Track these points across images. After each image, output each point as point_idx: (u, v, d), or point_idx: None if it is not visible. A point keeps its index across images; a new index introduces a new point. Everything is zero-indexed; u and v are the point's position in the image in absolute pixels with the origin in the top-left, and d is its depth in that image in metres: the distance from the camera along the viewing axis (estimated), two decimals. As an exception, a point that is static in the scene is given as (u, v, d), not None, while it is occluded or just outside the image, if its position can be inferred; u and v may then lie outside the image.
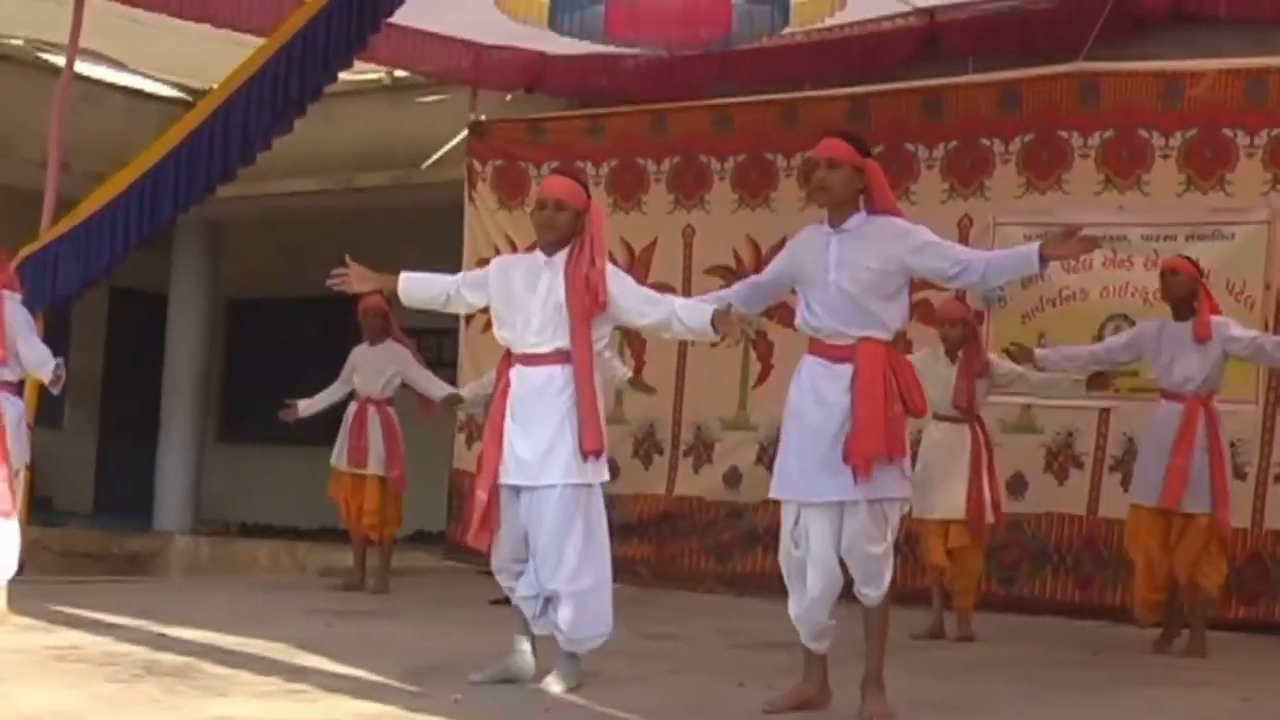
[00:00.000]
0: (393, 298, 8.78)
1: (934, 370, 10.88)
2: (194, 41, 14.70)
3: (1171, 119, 12.70)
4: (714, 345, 8.12)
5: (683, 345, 14.21)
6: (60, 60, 13.97)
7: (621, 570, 13.34)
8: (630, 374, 12.14)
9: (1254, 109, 12.40)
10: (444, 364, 15.27)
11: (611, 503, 12.78)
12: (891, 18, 14.18)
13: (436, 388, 13.01)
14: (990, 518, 10.95)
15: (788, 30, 12.27)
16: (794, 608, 7.45)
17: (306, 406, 13.08)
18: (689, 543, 14.55)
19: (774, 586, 7.64)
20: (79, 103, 14.57)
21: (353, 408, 13.08)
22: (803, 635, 7.48)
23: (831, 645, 7.49)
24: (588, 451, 7.89)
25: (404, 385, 13.08)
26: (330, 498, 13.29)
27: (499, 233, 15.63)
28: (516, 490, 7.98)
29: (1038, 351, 11.10)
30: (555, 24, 11.70)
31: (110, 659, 8.48)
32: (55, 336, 10.84)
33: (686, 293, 14.53)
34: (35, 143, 14.82)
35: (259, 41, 12.87)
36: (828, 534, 7.31)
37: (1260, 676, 9.46)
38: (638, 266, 14.93)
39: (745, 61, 14.56)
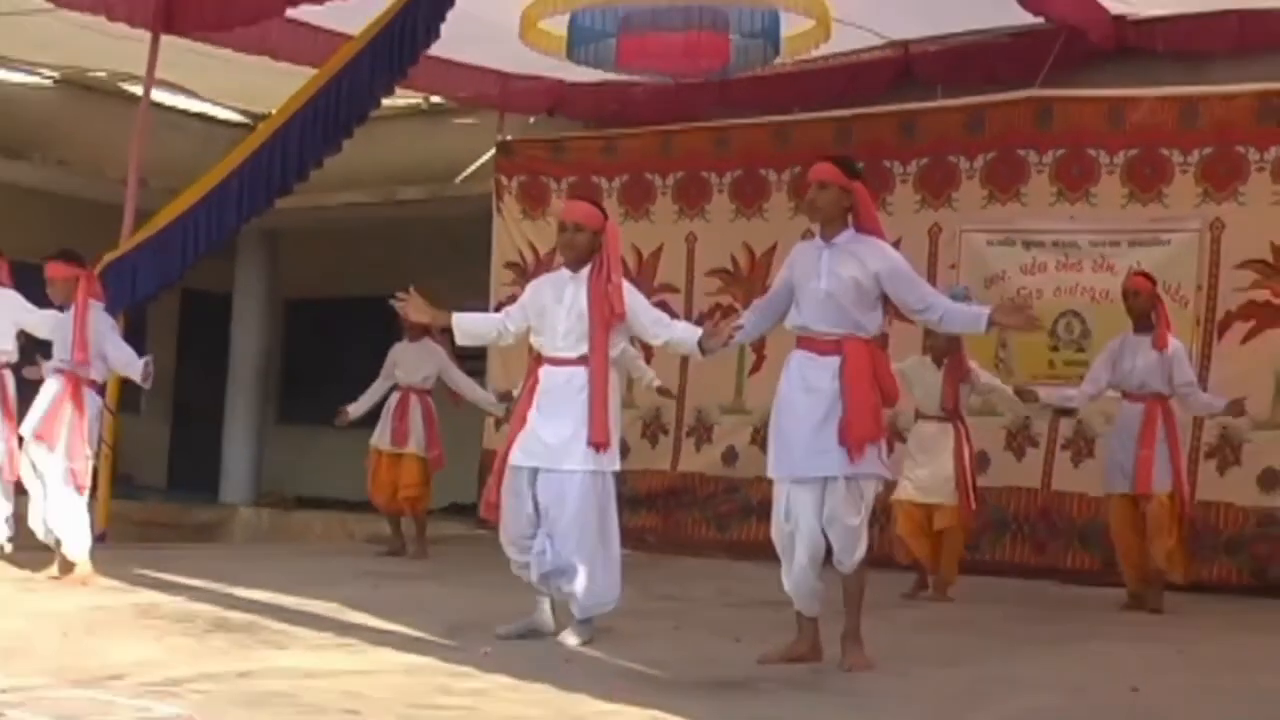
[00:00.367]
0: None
1: (922, 375, 10.98)
2: (256, 73, 14.72)
3: (1116, 140, 12.71)
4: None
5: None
6: (139, 90, 13.96)
7: (631, 539, 13.44)
8: (658, 382, 12.18)
9: (1188, 131, 12.42)
10: (472, 356, 15.29)
11: (622, 478, 12.92)
12: (871, 50, 14.21)
13: (470, 390, 13.05)
14: (973, 504, 11.01)
15: (779, 61, 12.23)
16: (787, 578, 7.49)
17: (355, 409, 12.99)
18: (691, 514, 14.57)
19: (767, 552, 7.66)
20: (156, 127, 14.53)
21: (395, 396, 13.05)
22: (796, 602, 7.51)
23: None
24: (595, 443, 7.91)
25: (439, 379, 13.09)
26: (364, 471, 13.29)
27: (523, 240, 15.64)
28: (534, 472, 8.01)
29: (1042, 395, 11.17)
30: (573, 55, 11.69)
31: (185, 616, 8.51)
32: (134, 334, 10.88)
33: (689, 291, 14.69)
34: (117, 163, 14.79)
35: (312, 72, 12.91)
36: (813, 508, 7.35)
37: (1197, 631, 9.52)
38: (646, 269, 14.96)
39: (741, 88, 14.53)
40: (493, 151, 16.32)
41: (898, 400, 7.92)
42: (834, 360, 7.38)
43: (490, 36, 12.94)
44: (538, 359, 8.20)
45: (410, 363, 12.98)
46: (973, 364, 11.16)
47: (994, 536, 12.33)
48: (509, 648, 7.71)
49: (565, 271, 8.17)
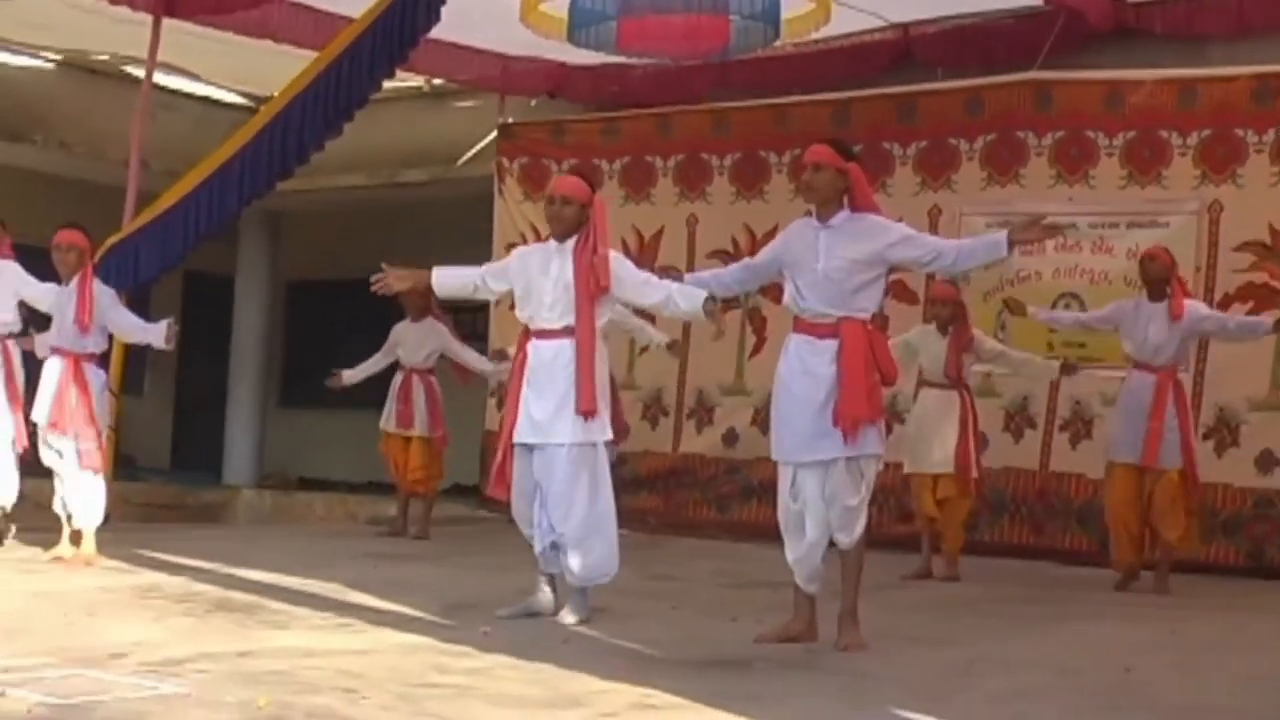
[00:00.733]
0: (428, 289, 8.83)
1: (927, 344, 11.09)
2: (258, 56, 14.76)
3: (1115, 122, 12.76)
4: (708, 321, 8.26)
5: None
6: (141, 72, 14.02)
7: (632, 519, 13.55)
8: (666, 339, 12.22)
9: (1186, 114, 12.47)
10: (477, 337, 15.33)
11: (624, 459, 13.04)
12: (870, 32, 14.21)
13: (475, 359, 13.13)
14: (974, 472, 11.08)
15: (779, 43, 12.24)
16: (792, 554, 7.57)
17: (350, 376, 13.11)
18: (692, 495, 14.63)
19: (767, 533, 7.76)
20: (158, 110, 14.61)
21: (399, 377, 13.13)
22: (798, 577, 7.59)
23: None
24: (583, 411, 7.99)
25: (443, 356, 13.17)
26: (380, 456, 13.35)
27: (524, 222, 15.66)
28: (530, 448, 8.11)
29: (1030, 308, 11.29)
30: (574, 38, 11.71)
31: (187, 596, 8.58)
32: (136, 315, 10.93)
33: (690, 274, 14.66)
34: (120, 145, 14.86)
35: (314, 55, 12.95)
36: (818, 488, 7.46)
37: (1192, 611, 9.55)
38: (647, 251, 15.01)
39: (741, 70, 14.56)
40: (494, 134, 16.36)
41: (896, 380, 8.00)
42: (832, 344, 7.47)
43: (491, 19, 12.99)
44: (526, 333, 8.28)
45: (412, 342, 13.05)
46: (977, 331, 11.28)
47: (992, 517, 12.39)
48: (507, 627, 7.79)
49: (552, 243, 8.26)
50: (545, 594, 8.26)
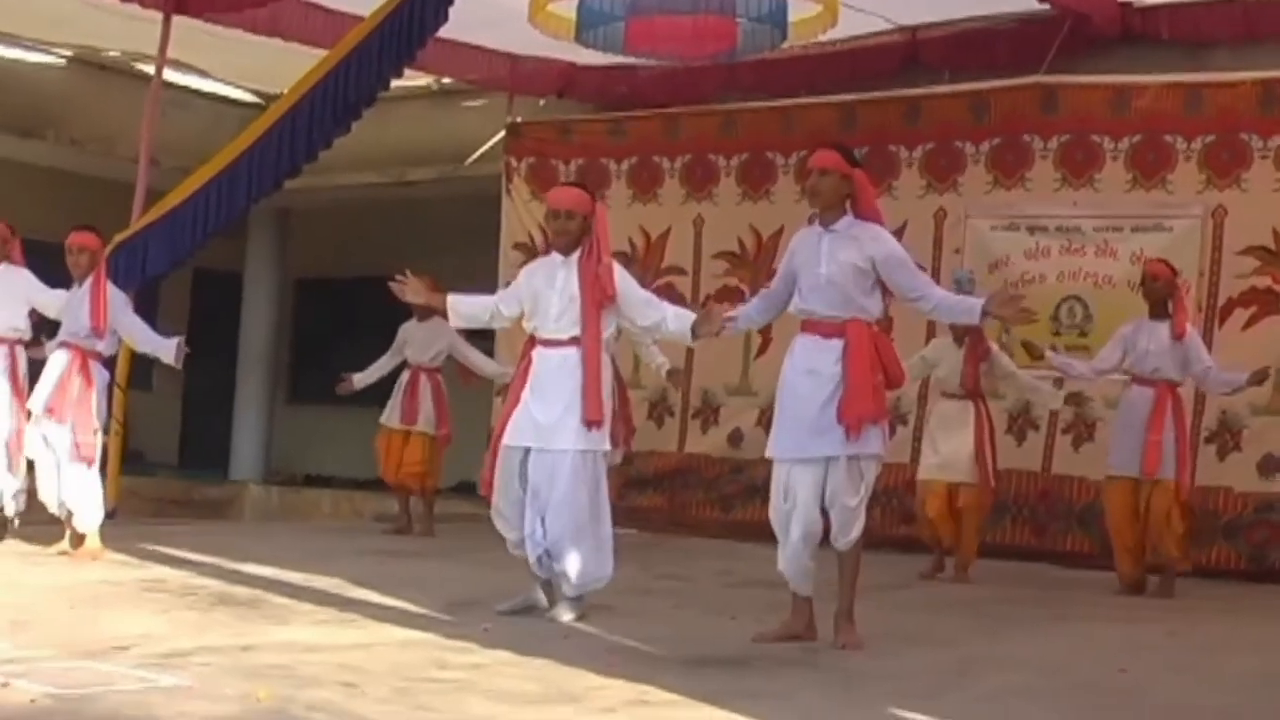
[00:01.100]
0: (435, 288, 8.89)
1: (944, 356, 11.24)
2: (267, 53, 14.80)
3: (1120, 126, 12.78)
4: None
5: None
6: (151, 69, 14.09)
7: (636, 519, 13.67)
8: (669, 366, 12.30)
9: (1191, 118, 12.49)
10: (483, 336, 15.39)
11: (629, 459, 13.10)
12: (877, 35, 14.23)
13: (483, 362, 13.18)
14: (992, 482, 11.17)
15: (786, 45, 12.29)
16: (782, 557, 7.64)
17: (360, 379, 13.17)
18: (696, 494, 14.67)
19: (770, 533, 7.77)
20: (167, 107, 14.68)
21: (406, 375, 13.20)
22: (790, 581, 7.66)
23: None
24: (589, 421, 8.06)
25: (449, 358, 13.24)
26: (375, 450, 13.43)
27: (532, 221, 15.69)
28: (526, 452, 8.16)
29: (1049, 353, 11.32)
30: (582, 39, 11.78)
31: (190, 590, 8.65)
32: (145, 312, 11.00)
33: (696, 273, 14.80)
34: (129, 142, 14.93)
35: (323, 53, 13.00)
36: (812, 488, 7.51)
37: (1191, 614, 9.61)
38: (653, 251, 15.09)
39: (748, 72, 14.58)
40: (502, 133, 16.39)
41: (903, 383, 8.09)
42: (837, 343, 7.55)
43: (500, 19, 13.02)
44: (531, 341, 8.35)
45: (420, 341, 13.11)
46: (993, 345, 11.35)
47: (994, 519, 12.33)
48: (508, 624, 7.86)
49: (556, 256, 8.32)
50: (539, 591, 8.32)
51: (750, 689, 6.32)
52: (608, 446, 8.34)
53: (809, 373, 7.58)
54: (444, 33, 12.83)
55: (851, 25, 12.95)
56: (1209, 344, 11.82)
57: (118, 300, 10.42)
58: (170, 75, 14.92)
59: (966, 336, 11.08)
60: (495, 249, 16.06)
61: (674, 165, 15.29)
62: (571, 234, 8.21)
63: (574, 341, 8.15)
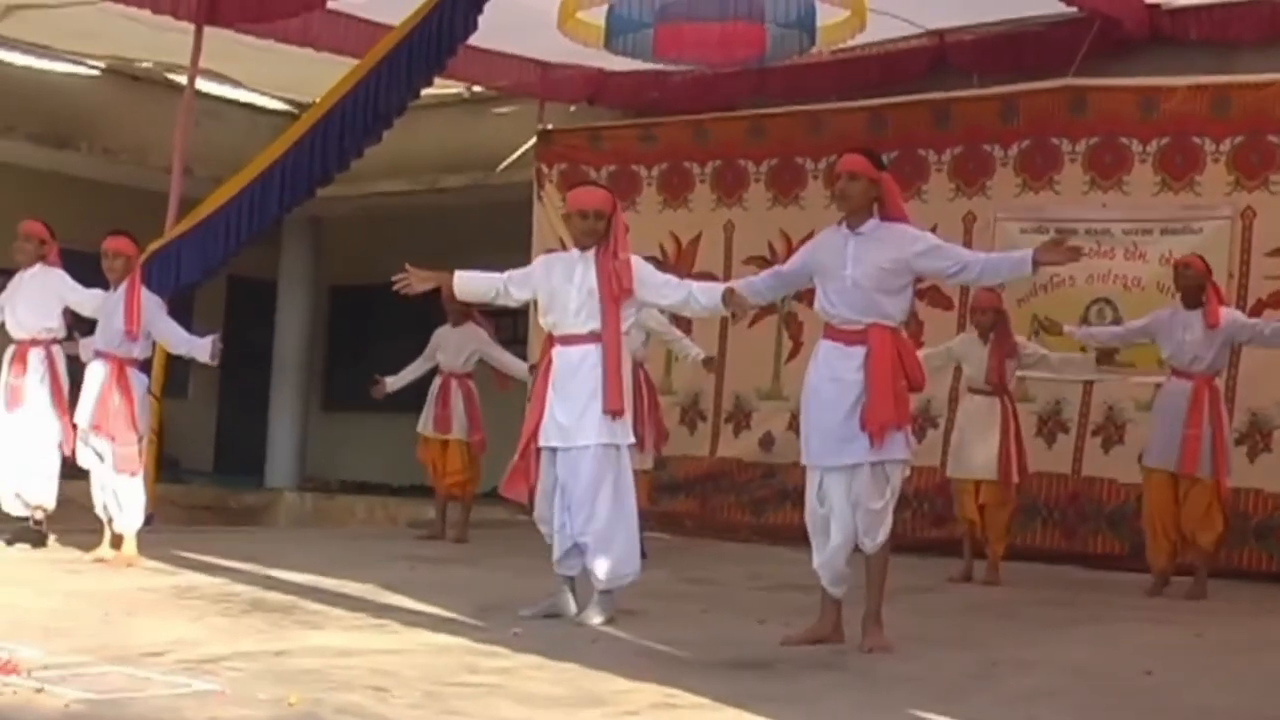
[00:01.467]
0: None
1: (970, 351, 11.25)
2: (299, 63, 14.92)
3: (1148, 128, 12.84)
4: (731, 319, 8.48)
5: (723, 325, 14.35)
6: (184, 80, 14.18)
7: (668, 523, 13.74)
8: (702, 355, 12.36)
9: (1219, 120, 12.55)
10: (518, 340, 15.46)
11: (662, 463, 13.16)
12: (906, 39, 14.32)
13: (514, 364, 13.25)
14: (1015, 477, 11.19)
15: (815, 50, 12.35)
16: (818, 557, 7.66)
17: (393, 382, 13.28)
18: (728, 498, 14.74)
19: (801, 537, 7.82)
20: (200, 116, 14.78)
21: (438, 381, 13.29)
22: (824, 580, 7.68)
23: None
24: (610, 410, 8.14)
25: (482, 362, 13.32)
26: (418, 460, 13.55)
27: (563, 227, 15.71)
28: (554, 451, 8.26)
29: (1066, 327, 11.39)
30: (611, 46, 11.84)
31: (224, 596, 8.72)
32: (180, 319, 11.09)
33: (727, 278, 14.70)
34: (163, 151, 15.02)
35: (354, 62, 13.08)
36: (845, 493, 7.55)
37: (1219, 616, 9.62)
38: (684, 257, 15.15)
39: (777, 77, 14.68)
40: (533, 140, 16.48)
41: (924, 386, 8.09)
42: (860, 350, 7.58)
43: (530, 27, 13.08)
44: (550, 340, 8.44)
45: (452, 346, 13.19)
46: (1019, 338, 11.37)
47: (1024, 521, 12.36)
48: (538, 629, 7.89)
49: (575, 251, 8.42)
50: (566, 594, 8.38)
51: (777, 692, 6.36)
52: (631, 439, 8.40)
53: (832, 380, 7.63)
54: (474, 40, 12.91)
55: (880, 29, 13.02)
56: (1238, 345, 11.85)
57: (151, 304, 10.51)
58: (203, 85, 15.02)
59: (991, 332, 11.12)
60: (527, 255, 16.05)
61: (704, 171, 15.37)
62: (598, 234, 8.30)
63: (593, 336, 8.23)
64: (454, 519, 13.42)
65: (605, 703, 5.93)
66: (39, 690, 5.56)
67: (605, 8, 11.46)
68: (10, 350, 11.11)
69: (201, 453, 21.49)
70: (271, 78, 17.27)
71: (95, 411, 10.26)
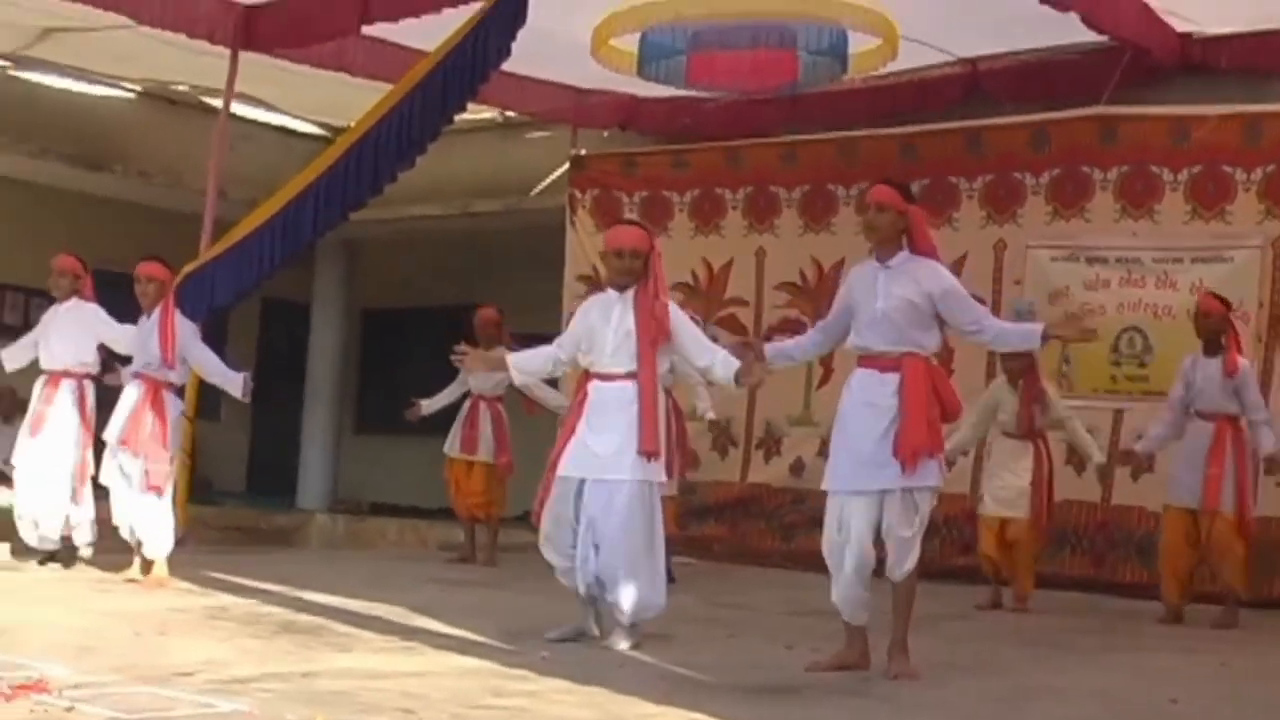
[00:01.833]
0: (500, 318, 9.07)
1: (1002, 397, 11.33)
2: (333, 87, 14.98)
3: (1179, 157, 12.82)
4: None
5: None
6: (219, 103, 14.28)
7: (698, 548, 13.77)
8: (713, 415, 12.46)
9: (1250, 149, 12.54)
10: (553, 370, 15.47)
11: (692, 488, 13.18)
12: (938, 66, 14.31)
13: (545, 393, 13.26)
14: (1045, 521, 11.27)
15: (846, 77, 12.39)
16: (836, 590, 7.69)
17: (427, 406, 13.32)
18: (758, 524, 14.73)
19: (833, 563, 7.87)
20: (235, 140, 14.87)
21: (467, 404, 13.35)
22: (844, 612, 7.71)
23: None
24: (645, 452, 8.15)
25: (512, 387, 13.35)
26: (444, 480, 13.60)
27: (595, 253, 15.69)
28: (581, 483, 8.27)
29: (1138, 448, 11.42)
30: (644, 72, 11.88)
31: (254, 618, 8.77)
32: (214, 341, 11.17)
33: (759, 304, 14.86)
34: (197, 174, 15.13)
35: (388, 87, 13.15)
36: (867, 520, 7.56)
37: (1243, 645, 9.65)
38: (716, 283, 15.20)
39: (810, 104, 14.66)
40: (566, 166, 16.53)
41: (959, 415, 8.16)
42: (894, 377, 7.62)
43: (563, 53, 13.15)
44: (586, 375, 8.47)
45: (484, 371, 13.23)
46: (1049, 387, 11.40)
47: (1053, 550, 12.31)
48: (565, 653, 7.92)
49: (612, 292, 8.43)
50: (590, 619, 8.41)
51: (801, 718, 6.40)
52: (664, 478, 8.44)
53: (866, 405, 7.66)
54: (508, 66, 12.93)
55: (912, 57, 13.02)
56: (1269, 374, 11.87)
57: (186, 330, 10.59)
58: (237, 108, 15.11)
59: (1021, 379, 11.15)
60: (559, 280, 16.16)
61: (736, 197, 15.39)
62: (635, 274, 8.32)
63: (630, 376, 8.25)
64: (483, 542, 13.47)
65: (629, 726, 5.98)
66: (69, 709, 5.62)
67: (638, 35, 11.51)
68: (41, 379, 11.21)
69: (234, 474, 21.58)
70: (306, 101, 17.35)
71: (126, 426, 10.32)
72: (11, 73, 16.57)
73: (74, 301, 11.21)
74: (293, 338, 20.92)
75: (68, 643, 7.38)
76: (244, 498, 20.80)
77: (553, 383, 13.49)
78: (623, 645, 8.15)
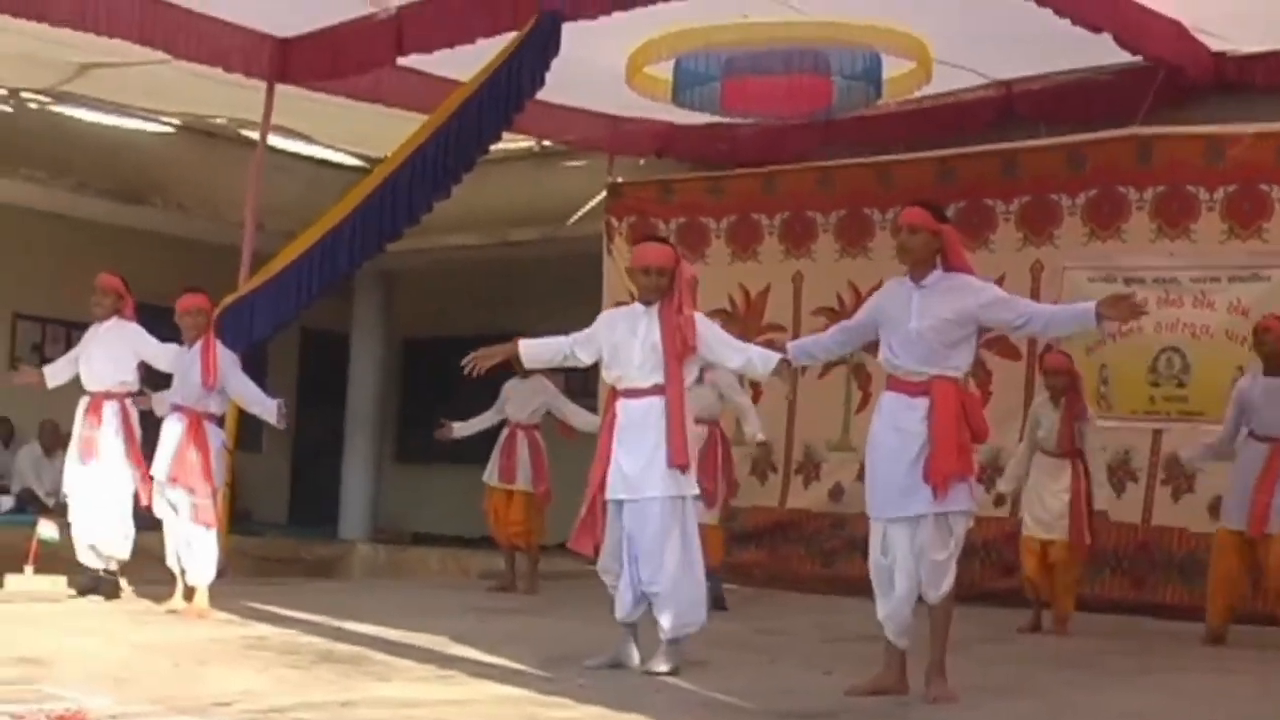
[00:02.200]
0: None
1: (1043, 416, 11.31)
2: (369, 118, 15.09)
3: (1215, 176, 12.79)
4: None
5: (793, 378, 14.39)
6: (256, 135, 14.37)
7: (737, 574, 13.74)
8: (761, 437, 12.47)
9: (1287, 167, 12.51)
10: (587, 393, 15.50)
11: (732, 514, 13.18)
12: (972, 89, 14.30)
13: (581, 419, 13.31)
14: (1087, 539, 11.21)
15: (881, 101, 12.41)
16: (882, 609, 7.69)
17: (460, 429, 13.39)
18: (797, 549, 14.75)
19: (870, 588, 7.85)
20: (272, 172, 14.93)
21: (505, 432, 13.41)
22: (889, 631, 7.71)
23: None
24: (675, 465, 8.21)
25: (550, 414, 13.42)
26: (483, 509, 13.65)
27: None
28: (620, 504, 8.32)
29: (1183, 454, 11.54)
30: (678, 99, 11.93)
31: (292, 648, 8.80)
32: (254, 372, 11.23)
33: (796, 331, 14.81)
34: (235, 206, 15.23)
35: (424, 117, 13.21)
36: (908, 544, 7.58)
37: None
38: (754, 309, 15.22)
39: (845, 129, 14.67)
40: (603, 194, 16.58)
41: (987, 438, 8.12)
42: (923, 402, 7.61)
43: (598, 81, 13.20)
44: (614, 394, 8.51)
45: (521, 398, 13.30)
46: (1090, 410, 11.39)
47: (1093, 571, 12.28)
48: (603, 680, 7.94)
49: (638, 306, 8.52)
50: (629, 645, 8.44)
51: (838, 742, 6.41)
52: (695, 490, 8.48)
53: (896, 431, 7.67)
54: (543, 95, 12.96)
55: (946, 80, 13.07)
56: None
57: (227, 360, 10.70)
58: (274, 140, 15.19)
59: (1064, 396, 11.14)
60: (597, 307, 16.10)
61: (773, 222, 15.42)
62: (662, 290, 8.40)
63: (657, 390, 8.31)
64: (523, 570, 13.50)
65: (666, 752, 5.99)
66: (108, 739, 5.67)
67: (673, 62, 11.56)
68: (84, 402, 11.26)
69: (275, 505, 21.65)
70: (342, 133, 17.45)
71: (173, 464, 10.42)
72: (50, 108, 16.71)
73: (114, 320, 11.28)
74: (332, 368, 20.98)
75: (107, 673, 7.43)
76: (285, 528, 20.84)
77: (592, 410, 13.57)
78: (662, 669, 8.17)
